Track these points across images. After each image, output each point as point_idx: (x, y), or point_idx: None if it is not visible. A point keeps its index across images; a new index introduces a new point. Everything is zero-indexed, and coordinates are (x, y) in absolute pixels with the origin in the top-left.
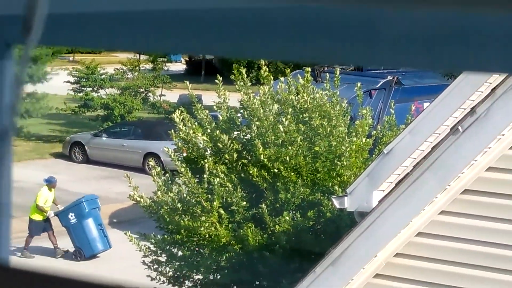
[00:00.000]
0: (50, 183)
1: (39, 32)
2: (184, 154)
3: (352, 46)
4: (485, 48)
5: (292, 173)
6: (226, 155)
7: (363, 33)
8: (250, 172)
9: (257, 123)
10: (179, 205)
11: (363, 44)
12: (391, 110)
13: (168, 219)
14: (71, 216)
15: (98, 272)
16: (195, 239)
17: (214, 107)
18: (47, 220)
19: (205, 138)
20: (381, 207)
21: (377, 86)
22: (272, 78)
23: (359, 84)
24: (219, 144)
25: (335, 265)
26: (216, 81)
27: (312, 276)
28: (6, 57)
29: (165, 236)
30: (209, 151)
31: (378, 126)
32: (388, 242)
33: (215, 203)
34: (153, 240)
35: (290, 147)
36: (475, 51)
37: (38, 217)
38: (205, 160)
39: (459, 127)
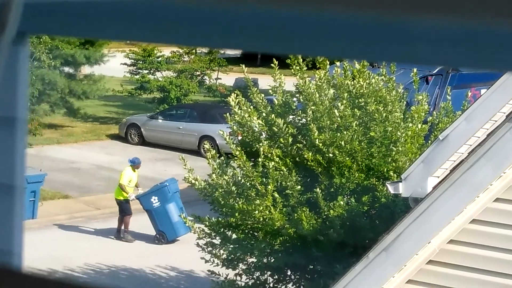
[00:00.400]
0: (134, 164)
1: (15, 26)
2: (239, 138)
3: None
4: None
5: (347, 158)
6: (281, 139)
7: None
8: (305, 156)
9: (313, 107)
10: (233, 188)
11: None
12: (447, 96)
13: (222, 202)
14: (154, 199)
15: (153, 252)
16: (249, 222)
17: (270, 91)
18: (127, 202)
19: (260, 121)
20: (435, 193)
21: (434, 72)
22: (328, 62)
23: (415, 70)
24: (274, 128)
25: (388, 251)
26: (272, 65)
27: (365, 261)
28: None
29: (220, 219)
30: (264, 135)
31: (434, 112)
32: (442, 229)
33: (269, 187)
34: (207, 223)
35: (345, 132)
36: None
37: (123, 198)
38: (260, 144)
39: None
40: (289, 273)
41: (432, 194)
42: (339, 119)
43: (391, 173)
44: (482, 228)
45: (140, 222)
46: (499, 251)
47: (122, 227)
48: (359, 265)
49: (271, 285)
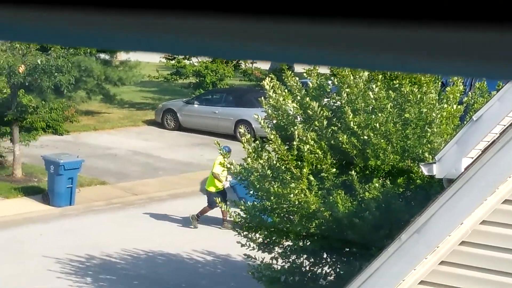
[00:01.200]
0: (228, 151)
1: None
2: (274, 121)
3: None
4: None
5: (382, 140)
6: (316, 122)
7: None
8: (340, 139)
9: (347, 90)
10: (268, 171)
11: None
12: None
13: (258, 186)
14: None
15: (189, 237)
16: (284, 205)
17: (304, 74)
18: (216, 195)
19: (295, 105)
20: (467, 174)
21: None
22: None
23: None
24: (308, 111)
25: (420, 232)
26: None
27: (398, 243)
28: None
29: (255, 203)
30: (299, 118)
31: (470, 93)
32: (474, 209)
33: (304, 170)
34: (243, 207)
35: (380, 114)
36: None
37: (214, 189)
38: (295, 127)
39: None
40: (325, 256)
41: (464, 175)
42: (373, 101)
43: (426, 154)
44: None
45: (174, 206)
46: None
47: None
48: (392, 246)
49: (307, 268)
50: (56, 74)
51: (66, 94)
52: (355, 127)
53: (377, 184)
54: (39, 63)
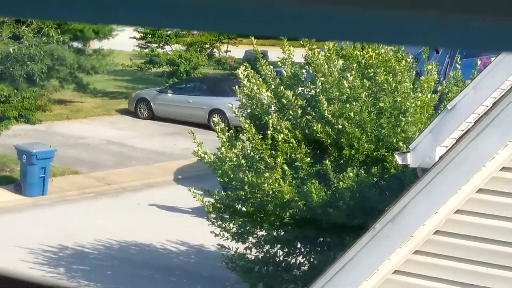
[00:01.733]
0: None
1: None
2: (248, 110)
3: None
4: None
5: (356, 129)
6: (290, 111)
7: None
8: (314, 128)
9: (322, 78)
10: (243, 161)
11: None
12: (457, 65)
13: (232, 175)
14: None
15: (163, 227)
16: (258, 195)
17: (279, 62)
18: None
19: (269, 94)
20: (441, 163)
21: None
22: None
23: None
24: (283, 100)
25: (394, 222)
26: (282, 36)
27: (372, 233)
28: None
29: (229, 193)
30: (273, 107)
31: (444, 82)
32: (449, 199)
33: (278, 159)
34: (216, 197)
35: (354, 103)
36: None
37: None
38: (269, 116)
39: None
40: (299, 245)
41: (438, 164)
42: (348, 90)
43: (401, 143)
44: (488, 197)
45: (148, 196)
46: (506, 220)
47: None
48: (366, 236)
49: (281, 258)
50: (28, 62)
51: (38, 83)
52: (330, 116)
53: (351, 174)
54: (11, 51)
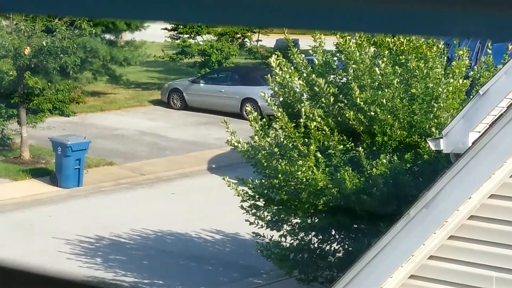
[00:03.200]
0: None
1: None
2: (281, 99)
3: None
4: None
5: (389, 116)
6: (323, 99)
7: None
8: (347, 115)
9: (353, 66)
10: (276, 149)
11: None
12: (488, 50)
13: (265, 164)
14: None
15: (198, 217)
16: (292, 183)
17: (310, 51)
18: None
19: (301, 82)
20: (475, 148)
21: None
22: None
23: None
24: (315, 88)
25: (429, 208)
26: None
27: (406, 219)
28: None
29: (263, 181)
30: (305, 95)
31: (476, 67)
32: (483, 184)
33: (312, 147)
34: (251, 185)
35: (386, 90)
36: None
37: None
38: (302, 104)
39: None
40: (333, 232)
41: (471, 149)
42: (380, 77)
43: (433, 129)
44: None
45: (182, 185)
46: None
47: None
48: (400, 222)
49: (316, 245)
50: (61, 55)
51: (72, 75)
52: (362, 103)
53: (384, 160)
54: (45, 44)
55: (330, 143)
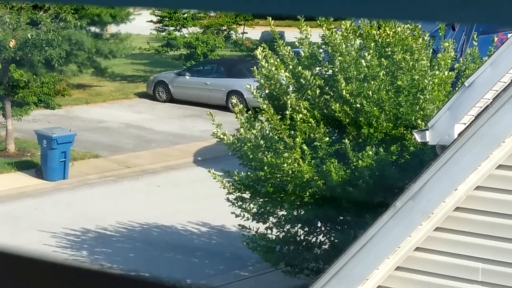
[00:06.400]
0: None
1: None
2: (267, 91)
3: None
4: None
5: (375, 108)
6: (309, 91)
7: None
8: (333, 107)
9: (339, 58)
10: (262, 141)
11: None
12: (474, 42)
13: (251, 156)
14: None
15: (184, 209)
16: (278, 175)
17: (296, 43)
18: None
19: (287, 74)
20: (461, 140)
21: None
22: None
23: None
24: (301, 80)
25: (415, 199)
26: (298, 16)
27: (393, 211)
28: None
29: (249, 173)
30: (291, 88)
31: (461, 59)
32: (469, 175)
33: (297, 139)
34: (236, 177)
35: (372, 82)
36: None
37: None
38: (288, 97)
39: None
40: (319, 224)
41: (457, 141)
42: (366, 69)
43: (419, 121)
44: (508, 173)
45: (168, 178)
46: None
47: None
48: (387, 214)
49: (302, 237)
50: (46, 48)
51: (57, 68)
52: (348, 95)
53: (370, 152)
54: (29, 37)
55: (316, 135)
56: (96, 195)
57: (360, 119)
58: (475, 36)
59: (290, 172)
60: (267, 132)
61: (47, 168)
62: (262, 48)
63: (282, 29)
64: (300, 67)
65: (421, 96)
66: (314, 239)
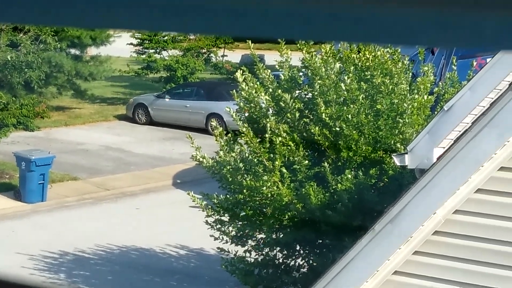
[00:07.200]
0: None
1: None
2: (246, 114)
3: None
4: None
5: (354, 131)
6: (288, 114)
7: None
8: (312, 131)
9: (319, 81)
10: (241, 164)
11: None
12: (453, 66)
13: (230, 179)
14: None
15: (162, 232)
16: (257, 198)
17: (277, 66)
18: None
19: (267, 97)
20: (439, 164)
21: None
22: None
23: None
24: (281, 103)
25: (394, 223)
26: (279, 40)
27: (371, 234)
28: None
29: (228, 196)
30: (271, 111)
31: (440, 83)
32: (447, 199)
33: (277, 162)
34: (215, 200)
35: (352, 105)
36: None
37: None
38: (267, 120)
39: None
40: (298, 248)
41: (436, 165)
42: (345, 92)
43: (398, 145)
44: (487, 197)
45: (147, 200)
46: (504, 219)
47: None
48: (365, 238)
49: (281, 260)
50: (26, 70)
51: (36, 90)
52: (327, 118)
53: (349, 176)
54: (9, 59)
55: (296, 159)
56: (75, 217)
57: (340, 142)
58: (454, 60)
59: (269, 195)
60: (247, 155)
61: (26, 190)
62: (242, 71)
63: (262, 52)
64: (280, 90)
65: (400, 119)
66: (292, 263)
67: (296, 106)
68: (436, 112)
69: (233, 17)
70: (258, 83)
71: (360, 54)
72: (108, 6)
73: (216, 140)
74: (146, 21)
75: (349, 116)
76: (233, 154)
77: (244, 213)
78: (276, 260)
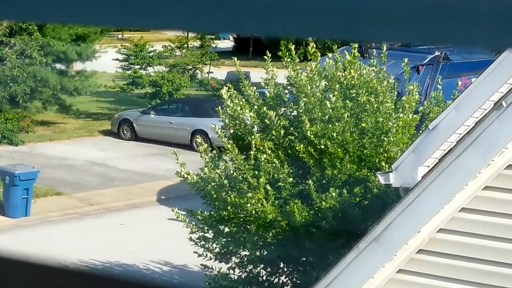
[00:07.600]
0: None
1: None
2: (231, 131)
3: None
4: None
5: (339, 149)
6: (273, 132)
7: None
8: (297, 148)
9: (304, 99)
10: (225, 181)
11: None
12: (438, 85)
13: (215, 196)
14: None
15: (146, 248)
16: (241, 215)
17: (262, 83)
18: None
19: (252, 114)
20: (424, 182)
21: (425, 62)
22: (319, 54)
23: (406, 59)
24: (266, 120)
25: (378, 241)
26: (265, 57)
27: (356, 252)
28: None
29: (212, 213)
30: (256, 128)
31: (425, 102)
32: (432, 218)
33: (261, 180)
34: (200, 217)
35: (337, 123)
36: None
37: None
38: (252, 137)
39: (503, 102)
40: (282, 265)
41: (421, 184)
42: (330, 110)
43: (383, 163)
44: (471, 216)
45: (131, 216)
46: (488, 239)
47: None
48: (350, 255)
49: (264, 277)
50: (11, 84)
51: (21, 104)
52: (312, 136)
53: (334, 193)
54: None
55: (280, 176)
56: (58, 232)
57: (324, 160)
58: (439, 79)
59: (254, 212)
60: (231, 172)
61: (9, 204)
62: (227, 88)
63: (248, 69)
64: (265, 108)
65: (385, 138)
66: (276, 280)
67: (281, 123)
68: (421, 131)
69: (220, 13)
70: (243, 100)
71: (346, 72)
72: (108, 3)
73: (201, 157)
74: (146, 21)
75: (334, 134)
76: (218, 171)
77: (228, 230)
78: (259, 277)
